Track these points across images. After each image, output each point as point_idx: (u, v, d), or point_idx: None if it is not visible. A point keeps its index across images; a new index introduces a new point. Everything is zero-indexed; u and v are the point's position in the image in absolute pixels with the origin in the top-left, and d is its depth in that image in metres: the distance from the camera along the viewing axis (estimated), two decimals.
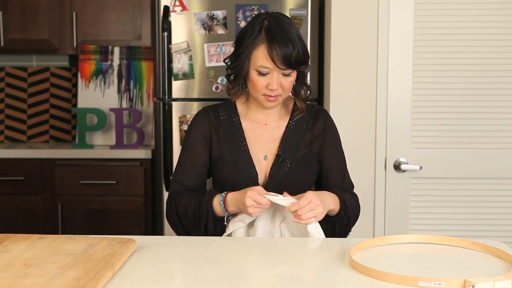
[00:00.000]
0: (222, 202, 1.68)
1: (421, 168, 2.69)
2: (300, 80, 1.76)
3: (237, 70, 1.73)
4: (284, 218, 1.68)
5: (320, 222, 1.62)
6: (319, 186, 1.87)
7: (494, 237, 1.79)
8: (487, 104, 2.70)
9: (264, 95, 1.71)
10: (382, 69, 2.69)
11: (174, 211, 1.76)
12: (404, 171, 2.71)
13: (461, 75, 2.69)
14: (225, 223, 1.71)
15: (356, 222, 1.83)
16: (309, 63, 1.73)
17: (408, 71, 2.68)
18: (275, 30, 1.66)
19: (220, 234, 1.73)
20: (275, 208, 1.67)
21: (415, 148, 2.72)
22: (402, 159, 2.71)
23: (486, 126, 2.70)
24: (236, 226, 1.68)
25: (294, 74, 1.71)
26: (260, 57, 1.67)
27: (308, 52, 1.71)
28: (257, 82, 1.69)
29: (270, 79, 1.68)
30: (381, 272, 1.21)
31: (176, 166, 1.84)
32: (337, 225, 1.74)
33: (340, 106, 2.71)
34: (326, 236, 1.67)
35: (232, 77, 1.78)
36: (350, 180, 1.88)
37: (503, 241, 1.57)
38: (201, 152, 1.81)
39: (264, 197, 1.58)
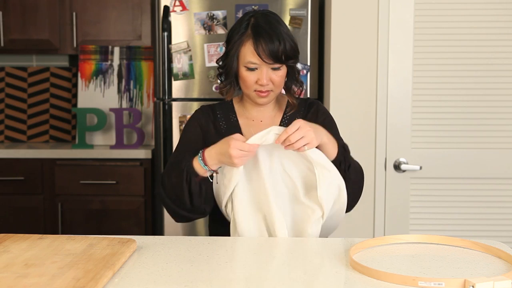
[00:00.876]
0: (201, 160, 1.65)
1: (421, 168, 2.69)
2: (291, 76, 1.77)
3: (227, 68, 1.75)
4: (282, 152, 1.65)
5: None
6: None
7: (494, 237, 1.78)
8: (487, 104, 2.70)
9: (255, 91, 1.73)
10: (382, 69, 2.69)
11: (161, 185, 1.73)
12: (404, 171, 2.71)
13: (461, 75, 2.70)
14: (211, 180, 1.68)
15: (358, 201, 1.76)
16: (299, 58, 1.74)
17: (408, 71, 2.68)
18: (261, 26, 1.68)
19: (206, 197, 1.69)
20: (271, 148, 1.65)
21: (415, 148, 2.72)
22: (402, 159, 2.71)
23: (486, 126, 2.70)
24: (234, 180, 1.64)
25: (283, 69, 1.72)
26: (247, 53, 1.69)
27: (297, 48, 1.72)
28: (247, 78, 1.71)
29: (260, 74, 1.70)
30: (381, 272, 1.21)
31: (172, 154, 1.86)
32: None
33: (340, 106, 2.71)
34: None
35: (223, 75, 1.79)
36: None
37: (503, 241, 1.57)
38: (196, 141, 1.81)
39: (248, 143, 1.57)
